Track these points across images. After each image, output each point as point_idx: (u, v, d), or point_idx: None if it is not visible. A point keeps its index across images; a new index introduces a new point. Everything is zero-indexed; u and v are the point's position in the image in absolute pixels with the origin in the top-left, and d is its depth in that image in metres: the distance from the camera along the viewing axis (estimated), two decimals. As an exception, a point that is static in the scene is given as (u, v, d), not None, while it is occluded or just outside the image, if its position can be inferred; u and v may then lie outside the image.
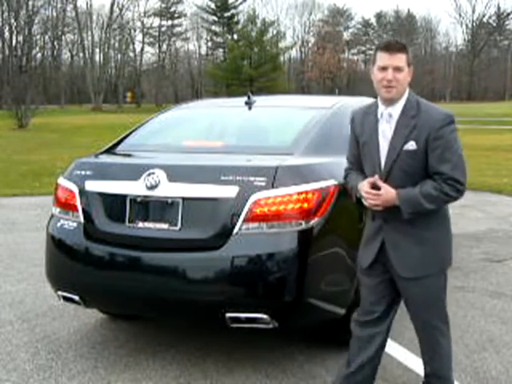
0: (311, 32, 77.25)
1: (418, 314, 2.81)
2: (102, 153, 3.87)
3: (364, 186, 2.67)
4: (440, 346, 2.83)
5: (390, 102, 2.65)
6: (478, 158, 15.35)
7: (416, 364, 3.36)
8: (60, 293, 3.52)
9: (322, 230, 3.16)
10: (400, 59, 2.59)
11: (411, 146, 2.58)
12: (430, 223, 2.67)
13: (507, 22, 79.19)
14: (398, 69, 2.59)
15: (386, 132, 2.67)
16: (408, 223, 2.65)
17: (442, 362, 2.87)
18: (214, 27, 71.36)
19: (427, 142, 2.55)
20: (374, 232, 2.79)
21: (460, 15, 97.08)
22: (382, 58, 2.60)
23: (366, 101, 4.72)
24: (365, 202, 2.70)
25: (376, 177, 2.65)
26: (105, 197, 3.39)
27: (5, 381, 3.29)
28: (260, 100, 4.38)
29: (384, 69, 2.60)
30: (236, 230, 3.08)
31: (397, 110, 2.64)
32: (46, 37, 63.46)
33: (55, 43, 65.10)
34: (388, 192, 2.60)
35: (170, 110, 4.70)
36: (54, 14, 61.86)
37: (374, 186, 2.64)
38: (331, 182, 3.24)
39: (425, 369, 2.94)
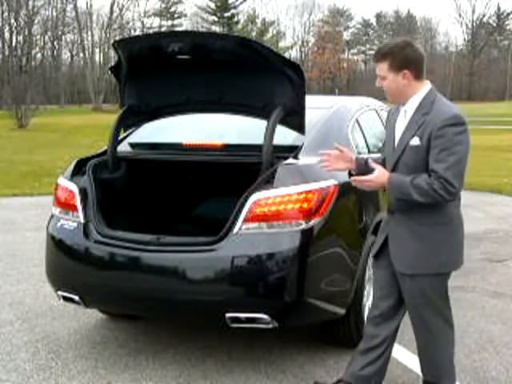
0: (311, 32, 77.19)
1: (412, 313, 2.81)
2: (102, 153, 3.86)
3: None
4: (435, 349, 2.81)
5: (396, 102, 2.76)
6: (477, 158, 15.29)
7: (416, 364, 3.35)
8: (60, 293, 3.52)
9: (322, 230, 3.16)
10: (380, 68, 2.67)
11: (415, 141, 2.62)
12: (434, 223, 2.67)
13: (507, 22, 79.13)
14: (381, 77, 2.69)
15: (400, 127, 2.74)
16: (412, 219, 2.68)
17: (436, 367, 2.84)
18: (214, 27, 71.29)
19: (429, 139, 2.57)
20: (384, 224, 2.88)
21: (460, 15, 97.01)
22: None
23: (366, 101, 4.75)
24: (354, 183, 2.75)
25: (369, 159, 2.75)
26: None
27: (5, 381, 3.29)
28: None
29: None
30: (236, 229, 3.09)
31: (411, 107, 2.69)
32: (46, 37, 63.33)
33: (55, 43, 64.97)
34: (381, 174, 2.63)
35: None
36: (54, 13, 61.75)
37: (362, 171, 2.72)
38: (331, 182, 3.24)
39: (423, 375, 2.93)
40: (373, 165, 2.68)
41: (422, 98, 2.66)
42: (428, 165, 2.58)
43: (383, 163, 2.84)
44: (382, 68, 2.65)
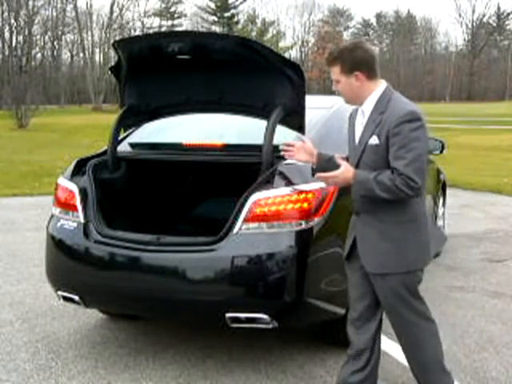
0: (311, 32, 77.25)
1: (390, 314, 2.79)
2: (102, 153, 3.86)
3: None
4: (419, 347, 2.79)
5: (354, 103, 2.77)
6: (477, 158, 15.38)
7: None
8: (60, 293, 3.52)
9: (321, 230, 3.17)
10: (333, 72, 2.68)
11: (373, 140, 2.61)
12: (399, 221, 2.66)
13: (507, 22, 79.20)
14: (335, 81, 2.70)
15: (359, 127, 2.74)
16: (377, 218, 2.67)
17: (424, 366, 2.82)
18: (214, 27, 71.35)
19: (387, 137, 2.56)
20: (351, 226, 2.86)
21: (460, 15, 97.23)
22: None
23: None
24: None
25: (337, 155, 2.75)
26: None
27: (5, 381, 3.29)
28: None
29: None
30: (236, 229, 3.09)
31: (368, 107, 2.69)
32: (46, 37, 63.36)
33: (55, 43, 64.99)
34: (346, 170, 2.61)
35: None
36: (54, 13, 61.78)
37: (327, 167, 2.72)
38: (331, 182, 3.23)
39: (414, 376, 2.92)
40: (339, 161, 2.67)
41: (378, 97, 2.66)
42: (389, 163, 2.57)
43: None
44: (335, 72, 2.66)
